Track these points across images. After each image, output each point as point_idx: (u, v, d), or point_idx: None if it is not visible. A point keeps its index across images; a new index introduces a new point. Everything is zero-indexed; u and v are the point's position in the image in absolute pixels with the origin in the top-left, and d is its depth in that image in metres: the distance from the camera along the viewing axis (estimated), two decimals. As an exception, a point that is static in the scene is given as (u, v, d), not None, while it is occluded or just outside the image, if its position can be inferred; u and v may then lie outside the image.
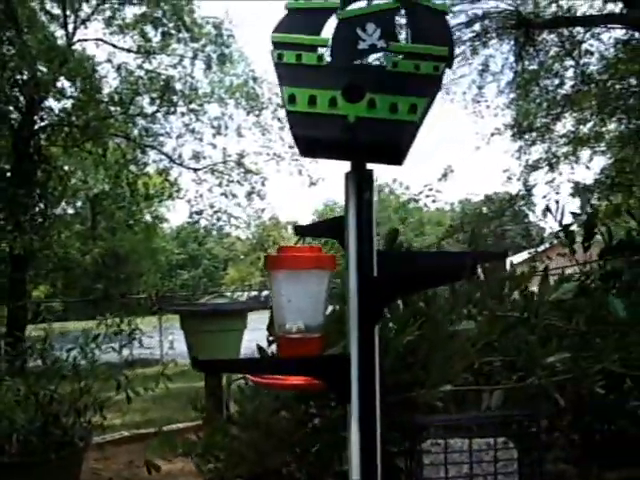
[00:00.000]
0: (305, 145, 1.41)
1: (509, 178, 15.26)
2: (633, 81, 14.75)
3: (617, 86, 14.79)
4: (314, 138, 1.37)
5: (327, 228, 1.63)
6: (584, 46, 14.23)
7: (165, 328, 14.70)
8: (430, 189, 15.20)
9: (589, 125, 15.60)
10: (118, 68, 14.83)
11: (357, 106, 1.33)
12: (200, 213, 16.66)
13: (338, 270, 1.77)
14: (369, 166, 1.47)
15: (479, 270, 1.16)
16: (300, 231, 1.76)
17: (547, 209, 3.67)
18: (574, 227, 3.34)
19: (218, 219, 16.70)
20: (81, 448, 4.20)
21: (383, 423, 1.42)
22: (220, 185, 16.16)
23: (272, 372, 1.60)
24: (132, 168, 15.84)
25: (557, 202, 3.82)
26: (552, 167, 14.40)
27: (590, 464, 2.11)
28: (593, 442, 2.22)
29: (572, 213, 3.54)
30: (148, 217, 21.80)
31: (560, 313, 2.34)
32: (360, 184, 1.46)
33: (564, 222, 3.35)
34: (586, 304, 2.35)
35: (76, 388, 4.21)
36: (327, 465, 2.17)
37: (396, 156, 1.41)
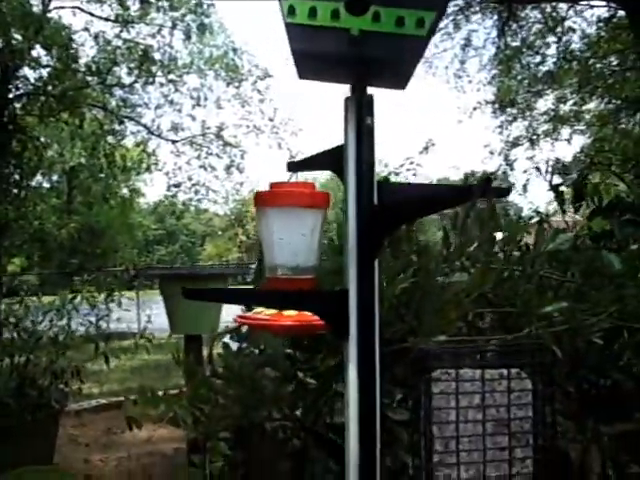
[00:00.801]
0: (304, 61, 1.31)
1: (491, 153, 15.24)
2: (614, 60, 14.77)
3: (598, 65, 14.80)
4: (314, 53, 1.27)
5: (324, 160, 1.54)
6: (567, 23, 14.19)
7: (143, 302, 14.59)
8: (411, 162, 15.08)
9: (569, 103, 15.61)
10: (95, 37, 14.52)
11: (361, 19, 1.24)
12: (178, 186, 16.48)
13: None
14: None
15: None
16: (294, 167, 1.67)
17: (537, 169, 3.61)
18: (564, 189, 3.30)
19: (196, 192, 16.53)
20: (57, 410, 4.11)
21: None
22: (199, 158, 15.98)
23: (264, 304, 1.52)
24: (109, 139, 15.59)
25: (547, 162, 3.76)
26: (533, 143, 14.39)
27: (586, 418, 2.06)
28: (589, 395, 2.17)
29: (561, 172, 3.48)
30: (125, 191, 21.56)
31: (556, 265, 2.28)
32: (361, 109, 1.37)
33: (554, 183, 3.30)
34: (581, 257, 2.29)
35: (52, 351, 4.11)
36: (316, 418, 2.10)
37: (401, 75, 1.33)
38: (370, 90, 1.39)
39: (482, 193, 1.07)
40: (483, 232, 2.34)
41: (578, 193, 3.14)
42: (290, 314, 1.56)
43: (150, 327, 6.73)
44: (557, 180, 3.64)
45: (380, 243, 1.34)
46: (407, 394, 2.09)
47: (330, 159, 1.49)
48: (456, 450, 1.14)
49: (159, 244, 41.72)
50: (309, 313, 1.52)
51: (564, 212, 3.10)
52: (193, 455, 2.16)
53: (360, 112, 1.37)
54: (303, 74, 1.38)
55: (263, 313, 1.61)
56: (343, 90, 1.41)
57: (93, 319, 5.15)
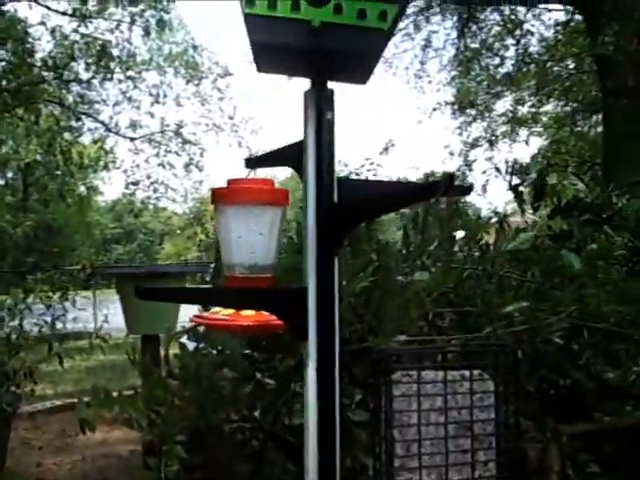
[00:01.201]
0: (263, 54, 1.27)
1: (451, 154, 15.34)
2: (571, 63, 14.99)
3: (555, 68, 15.01)
4: (273, 45, 1.23)
5: (283, 156, 1.50)
6: (525, 26, 14.36)
7: (100, 301, 14.36)
8: (371, 163, 15.08)
9: (527, 105, 15.81)
10: (52, 31, 14.27)
11: (322, 10, 1.20)
12: (137, 184, 16.28)
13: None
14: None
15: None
16: (252, 163, 1.62)
17: (496, 169, 3.62)
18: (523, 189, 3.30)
19: (155, 190, 16.34)
20: (9, 413, 4.00)
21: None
22: (157, 155, 15.81)
23: (220, 303, 1.47)
24: (66, 136, 15.33)
25: (507, 162, 3.78)
26: (492, 144, 14.54)
27: (545, 417, 2.05)
28: (548, 395, 2.17)
29: (520, 172, 3.50)
30: (82, 189, 21.26)
31: (516, 264, 2.28)
32: (321, 103, 1.33)
33: (513, 183, 3.31)
34: (541, 257, 2.29)
35: (4, 351, 3.99)
36: (274, 420, 2.07)
37: (362, 69, 1.30)
38: (330, 86, 1.35)
39: (445, 190, 1.05)
40: (443, 231, 2.33)
41: (538, 193, 3.16)
42: (248, 314, 1.52)
43: (107, 327, 6.63)
44: (516, 180, 3.65)
45: (340, 240, 1.31)
46: (366, 395, 2.07)
47: (289, 155, 1.45)
48: (418, 454, 1.11)
49: (117, 243, 41.20)
50: (267, 313, 1.48)
51: (523, 212, 3.11)
52: (148, 458, 2.10)
53: (320, 106, 1.34)
54: (262, 67, 1.34)
55: (220, 313, 1.56)
56: (303, 86, 1.38)
57: (49, 319, 5.04)
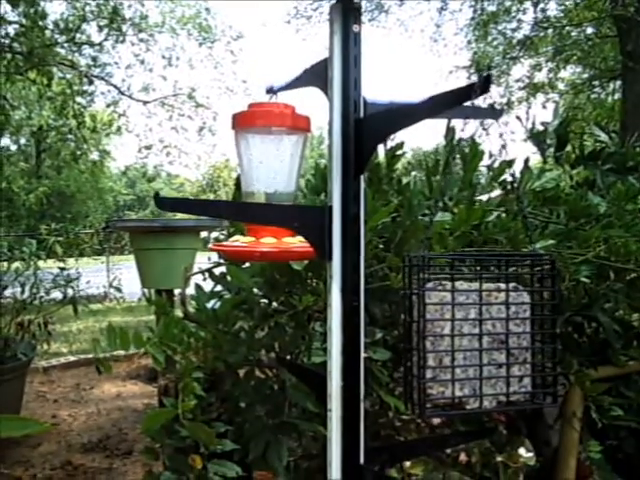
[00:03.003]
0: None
1: (466, 117, 15.15)
2: (589, 29, 14.75)
3: (573, 33, 14.78)
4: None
5: (307, 75, 1.44)
6: (543, -12, 14.11)
7: (112, 265, 14.42)
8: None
9: (544, 71, 15.60)
10: (64, -7, 14.15)
11: None
12: (149, 148, 16.24)
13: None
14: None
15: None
16: (273, 90, 1.57)
17: (517, 118, 3.54)
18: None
19: (168, 154, 16.31)
20: (24, 363, 4.00)
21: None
22: (170, 119, 15.75)
23: (239, 217, 1.43)
24: (79, 100, 15.27)
25: (527, 112, 3.70)
26: (509, 107, 14.36)
27: (570, 360, 2.01)
28: (573, 339, 2.13)
29: (542, 123, 3.42)
30: (95, 155, 21.27)
31: (540, 205, 2.22)
32: (347, 15, 1.27)
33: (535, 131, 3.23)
34: (567, 197, 2.23)
35: (19, 300, 3.99)
36: (293, 359, 2.04)
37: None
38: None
39: (482, 91, 0.99)
40: (466, 171, 2.27)
41: (560, 141, 3.08)
42: (268, 241, 1.48)
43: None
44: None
45: (367, 157, 1.26)
46: (387, 334, 2.03)
47: (314, 74, 1.40)
48: (451, 366, 1.07)
49: (130, 209, 41.30)
50: (288, 240, 1.44)
51: (545, 161, 3.04)
52: (165, 397, 2.08)
53: (347, 19, 1.28)
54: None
55: (239, 241, 1.52)
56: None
57: (62, 281, 5.03)
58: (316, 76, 1.38)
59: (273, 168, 1.54)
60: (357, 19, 1.29)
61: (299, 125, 1.51)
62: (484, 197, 2.39)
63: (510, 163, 2.21)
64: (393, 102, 1.35)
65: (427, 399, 1.06)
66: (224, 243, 1.61)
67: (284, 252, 1.45)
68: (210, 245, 1.59)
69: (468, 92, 1.03)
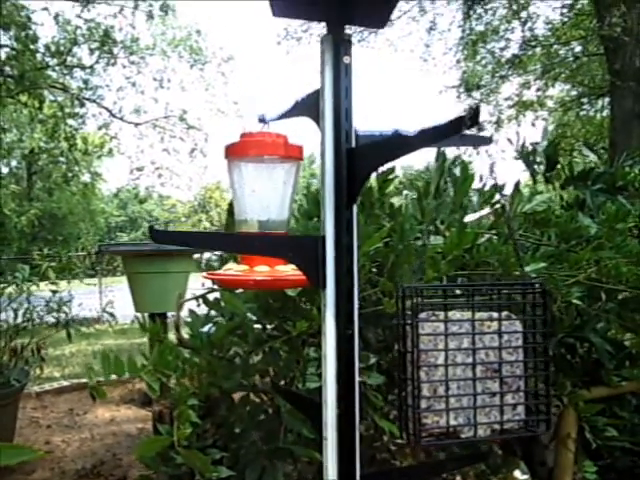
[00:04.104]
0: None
1: (457, 145, 15.22)
2: (577, 47, 14.91)
3: (561, 51, 14.93)
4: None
5: (299, 106, 1.46)
6: (531, 9, 14.26)
7: (105, 287, 14.38)
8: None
9: (533, 89, 15.72)
10: (55, 17, 14.20)
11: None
12: (141, 169, 16.24)
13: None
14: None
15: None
16: (265, 119, 1.59)
17: (508, 140, 3.57)
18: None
19: (159, 176, 16.31)
20: (17, 389, 3.98)
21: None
22: (162, 141, 15.78)
23: (235, 249, 1.44)
24: (70, 122, 15.29)
25: (517, 134, 3.74)
26: (499, 125, 14.45)
27: (563, 381, 2.02)
28: (566, 360, 2.14)
29: (532, 143, 3.45)
30: (87, 177, 21.26)
31: (531, 227, 2.24)
32: (338, 47, 1.29)
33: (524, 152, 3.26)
34: (557, 219, 2.25)
35: (12, 325, 3.97)
36: (289, 385, 2.04)
37: (381, 10, 1.26)
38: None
39: (471, 124, 1.01)
40: (457, 195, 2.29)
41: (550, 161, 3.11)
42: (262, 270, 1.49)
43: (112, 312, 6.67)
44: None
45: (359, 187, 1.27)
46: (381, 359, 2.04)
47: (306, 105, 1.42)
48: (445, 395, 1.08)
49: (121, 231, 41.25)
50: (282, 269, 1.45)
51: (535, 181, 3.07)
52: (159, 424, 2.07)
53: (337, 51, 1.30)
54: (277, 10, 1.30)
55: (233, 269, 1.53)
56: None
57: (54, 305, 5.02)
58: (308, 107, 1.40)
59: (266, 197, 1.55)
60: (348, 50, 1.31)
61: (291, 154, 1.52)
62: (475, 215, 2.41)
63: (500, 188, 2.24)
64: (383, 133, 1.37)
65: (422, 428, 1.07)
66: (218, 272, 1.62)
67: (278, 280, 1.46)
68: (204, 274, 1.60)
69: (458, 124, 1.04)
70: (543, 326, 1.16)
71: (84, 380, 6.08)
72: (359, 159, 1.25)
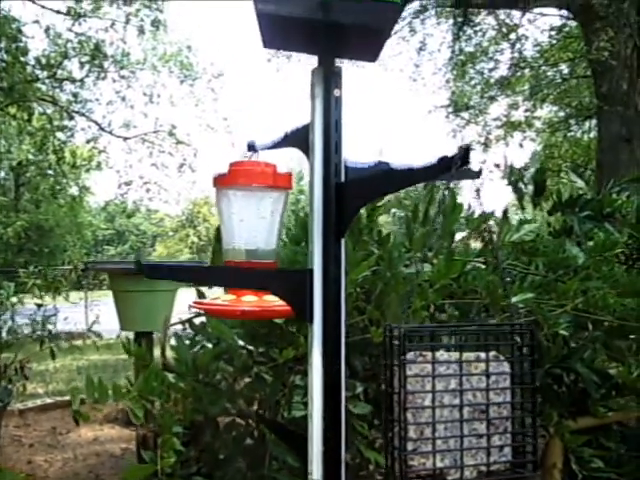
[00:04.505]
0: (270, 27, 1.23)
1: (446, 179, 15.25)
2: (565, 68, 15.05)
3: (549, 72, 15.05)
4: (282, 16, 1.19)
5: (288, 138, 1.46)
6: (520, 31, 14.37)
7: (91, 301, 14.27)
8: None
9: (521, 110, 15.81)
10: (46, 30, 14.19)
11: (332, -19, 1.16)
12: (129, 184, 16.19)
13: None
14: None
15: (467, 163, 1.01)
16: (254, 148, 1.58)
17: (496, 165, 3.57)
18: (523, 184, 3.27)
19: (147, 191, 16.26)
20: (0, 408, 3.94)
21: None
22: (151, 155, 15.74)
23: (224, 283, 1.43)
24: (59, 135, 15.24)
25: (505, 158, 3.76)
26: (487, 146, 14.52)
27: (550, 411, 2.02)
28: (552, 390, 2.13)
29: (520, 168, 3.47)
30: (75, 189, 21.17)
31: (519, 256, 2.24)
32: (329, 80, 1.29)
33: (512, 179, 3.28)
34: (545, 249, 2.26)
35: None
36: (274, 412, 2.02)
37: (373, 44, 1.26)
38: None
39: (461, 164, 1.01)
40: (445, 223, 2.29)
41: (538, 188, 3.12)
42: (249, 300, 1.48)
43: (98, 327, 6.61)
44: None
45: (348, 221, 1.27)
46: (368, 387, 2.03)
47: (296, 137, 1.42)
48: (432, 437, 1.07)
49: (109, 244, 41.09)
50: (270, 298, 1.44)
51: (523, 208, 3.08)
52: (143, 452, 2.05)
53: (328, 83, 1.30)
54: (268, 42, 1.30)
55: (221, 299, 1.52)
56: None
57: (39, 318, 4.98)
58: (297, 139, 1.40)
59: (254, 226, 1.55)
60: (338, 83, 1.31)
61: (280, 183, 1.52)
62: (459, 235, 2.41)
63: (488, 216, 2.24)
64: (372, 166, 1.36)
65: (409, 470, 1.06)
66: (205, 301, 1.60)
67: (266, 311, 1.45)
68: (191, 302, 1.59)
69: (449, 164, 1.04)
70: (531, 367, 1.15)
71: (68, 397, 6.02)
72: (348, 194, 1.25)
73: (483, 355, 1.12)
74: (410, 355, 1.09)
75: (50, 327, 4.61)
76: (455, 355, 1.10)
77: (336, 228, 1.26)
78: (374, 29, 1.23)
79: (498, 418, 1.11)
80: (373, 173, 1.28)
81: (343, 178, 1.30)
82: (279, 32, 1.27)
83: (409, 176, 1.17)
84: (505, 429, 1.12)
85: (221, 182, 1.53)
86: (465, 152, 1.02)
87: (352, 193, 1.25)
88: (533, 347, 1.14)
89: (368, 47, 1.29)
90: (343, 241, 1.29)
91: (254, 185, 1.51)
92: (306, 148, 1.35)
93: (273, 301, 1.43)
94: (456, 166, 1.02)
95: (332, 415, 1.26)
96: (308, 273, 1.27)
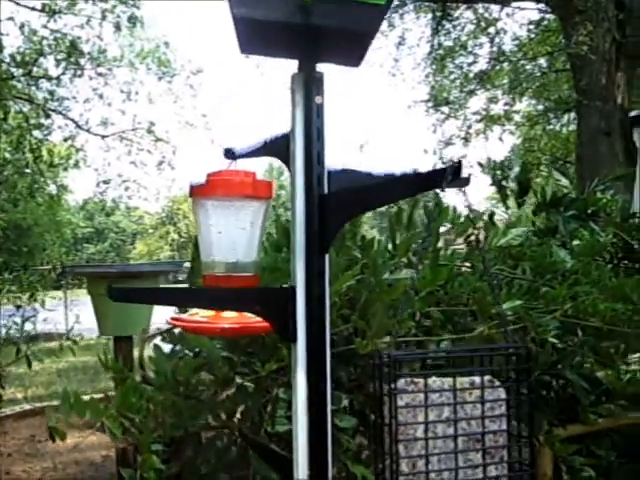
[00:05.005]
0: (247, 31, 1.16)
1: (425, 151, 15.28)
2: (543, 62, 15.07)
3: (528, 66, 15.06)
4: (259, 21, 1.12)
5: (270, 147, 1.39)
6: (499, 24, 14.37)
7: (71, 301, 14.10)
8: (345, 162, 14.91)
9: (501, 104, 15.82)
10: (21, 27, 13.95)
11: (313, -17, 1.10)
12: (108, 182, 15.99)
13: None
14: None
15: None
16: (233, 155, 1.51)
17: (479, 164, 3.54)
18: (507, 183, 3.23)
19: (126, 189, 16.07)
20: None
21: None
22: (129, 153, 15.54)
23: (200, 305, 1.36)
24: (36, 134, 15.02)
25: (489, 158, 3.71)
26: (467, 140, 14.52)
27: (539, 420, 1.97)
28: (541, 397, 2.09)
29: (503, 167, 3.43)
30: (53, 188, 20.94)
31: (505, 261, 2.19)
32: (310, 87, 1.23)
33: (496, 178, 3.24)
34: (532, 253, 2.21)
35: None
36: (257, 426, 1.96)
37: (356, 49, 1.20)
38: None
39: (453, 177, 0.95)
40: (429, 227, 2.24)
41: (522, 188, 3.08)
42: (229, 315, 1.41)
43: (79, 327, 6.51)
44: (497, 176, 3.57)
45: (332, 236, 1.20)
46: (353, 399, 1.97)
47: (276, 145, 1.35)
48: (425, 471, 1.01)
49: (88, 242, 40.75)
50: (250, 314, 1.38)
51: (507, 207, 3.04)
52: (122, 469, 1.98)
53: (309, 90, 1.23)
54: (245, 47, 1.23)
55: (200, 314, 1.46)
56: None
57: (18, 320, 4.88)
58: (277, 148, 1.34)
59: (233, 238, 1.48)
60: (320, 90, 1.24)
61: (260, 193, 1.46)
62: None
63: (474, 220, 2.19)
64: (362, 171, 1.30)
65: (400, 505, 1.00)
66: (183, 317, 1.53)
67: (246, 328, 1.39)
68: (167, 319, 1.51)
69: (439, 179, 0.98)
70: (528, 392, 1.09)
71: (46, 403, 5.92)
72: (332, 208, 1.19)
73: (478, 380, 1.07)
74: (401, 382, 1.03)
75: (28, 329, 4.52)
76: (448, 381, 1.05)
77: (319, 243, 1.20)
78: (357, 33, 1.16)
79: (494, 447, 1.06)
80: (359, 185, 1.22)
81: (326, 189, 1.24)
82: (257, 37, 1.19)
83: (397, 189, 1.11)
84: (501, 458, 1.06)
85: (198, 192, 1.46)
86: (457, 168, 0.96)
87: (336, 206, 1.19)
88: (530, 371, 1.09)
89: (351, 51, 1.23)
90: (327, 256, 1.22)
91: (232, 196, 1.45)
92: (286, 157, 1.29)
93: (254, 317, 1.37)
94: (447, 181, 0.96)
95: (318, 437, 1.20)
96: (290, 291, 1.21)
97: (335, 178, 1.26)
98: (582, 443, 2.10)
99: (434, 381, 1.06)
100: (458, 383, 1.06)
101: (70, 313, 14.00)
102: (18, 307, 5.04)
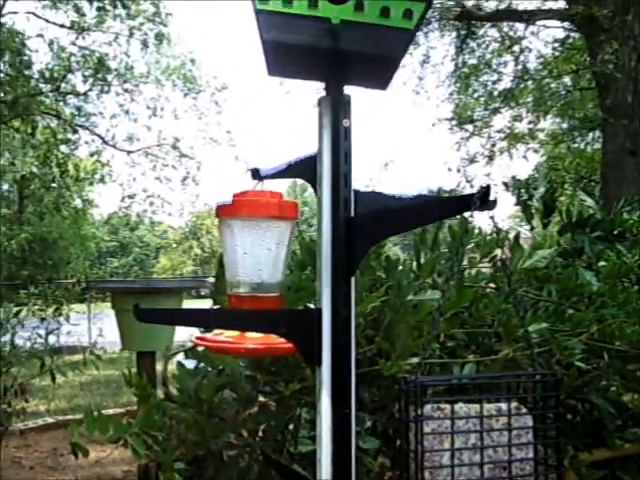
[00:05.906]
0: (275, 54, 1.17)
1: (449, 170, 15.23)
2: (568, 80, 15.01)
3: (553, 84, 15.01)
4: (287, 45, 1.13)
5: (295, 168, 1.39)
6: (523, 43, 14.34)
7: (94, 315, 14.20)
8: (370, 179, 14.91)
9: (525, 122, 15.76)
10: (50, 44, 14.20)
11: (342, 8, 1.11)
12: (133, 197, 16.15)
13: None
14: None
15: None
16: (259, 176, 1.52)
17: (504, 184, 3.52)
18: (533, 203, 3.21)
19: (151, 204, 16.21)
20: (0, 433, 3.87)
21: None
22: (154, 169, 15.70)
23: (224, 326, 1.36)
24: (62, 149, 15.23)
25: (514, 177, 3.70)
26: (491, 158, 14.47)
27: (564, 445, 1.94)
28: (566, 421, 2.06)
29: (528, 186, 3.41)
30: (78, 202, 21.17)
31: (530, 282, 2.18)
32: (337, 109, 1.23)
33: (522, 198, 3.23)
34: (558, 275, 2.19)
35: (-5, 364, 3.87)
36: (280, 446, 1.95)
37: (383, 72, 1.20)
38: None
39: (482, 202, 0.95)
40: (454, 248, 2.23)
41: (547, 208, 3.06)
42: (254, 335, 1.41)
43: (102, 341, 6.55)
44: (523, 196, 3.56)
45: (359, 260, 1.20)
46: (377, 421, 1.96)
47: (302, 166, 1.35)
48: (451, 498, 1.00)
49: (112, 256, 41.04)
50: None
51: (532, 228, 3.02)
52: (144, 486, 1.99)
53: (336, 113, 1.24)
54: (273, 70, 1.24)
55: (224, 334, 1.46)
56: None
57: (42, 332, 4.91)
58: (303, 169, 1.34)
59: (258, 259, 1.48)
60: (347, 113, 1.25)
61: (285, 214, 1.46)
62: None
63: (501, 240, 2.17)
64: (389, 194, 1.30)
65: (426, 533, 0.99)
66: (208, 336, 1.54)
67: (271, 348, 1.39)
68: (192, 337, 1.52)
69: (467, 203, 0.98)
70: (556, 420, 1.08)
71: (69, 416, 5.95)
72: (359, 231, 1.19)
73: (504, 407, 1.06)
74: (427, 408, 1.02)
75: (52, 342, 4.55)
76: (475, 408, 1.04)
77: (346, 267, 1.20)
78: (385, 57, 1.17)
79: (521, 476, 1.04)
80: (386, 208, 1.22)
81: (353, 211, 1.24)
82: (285, 60, 1.21)
83: (425, 213, 1.11)
84: (529, 487, 1.05)
85: (224, 212, 1.47)
86: (485, 192, 0.96)
87: (363, 229, 1.19)
88: (558, 398, 1.08)
89: (379, 75, 1.23)
90: (353, 280, 1.22)
91: (259, 216, 1.45)
92: (311, 178, 1.29)
93: (278, 337, 1.37)
94: (475, 205, 0.96)
95: (342, 463, 1.19)
96: (316, 313, 1.20)
97: (362, 200, 1.26)
98: (608, 468, 2.07)
99: (460, 407, 1.05)
100: (485, 410, 1.05)
101: (94, 326, 14.10)
102: (42, 319, 5.07)
